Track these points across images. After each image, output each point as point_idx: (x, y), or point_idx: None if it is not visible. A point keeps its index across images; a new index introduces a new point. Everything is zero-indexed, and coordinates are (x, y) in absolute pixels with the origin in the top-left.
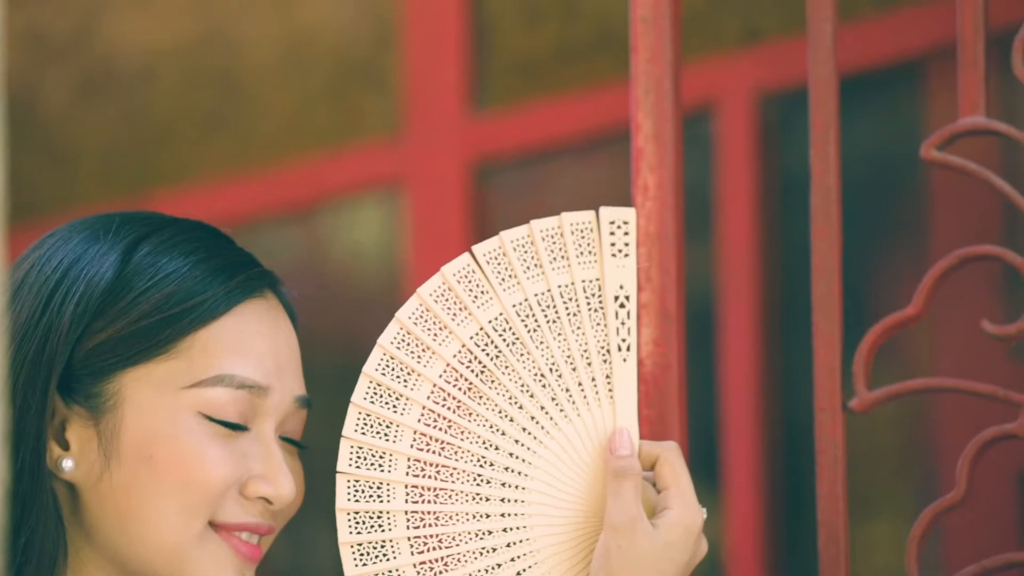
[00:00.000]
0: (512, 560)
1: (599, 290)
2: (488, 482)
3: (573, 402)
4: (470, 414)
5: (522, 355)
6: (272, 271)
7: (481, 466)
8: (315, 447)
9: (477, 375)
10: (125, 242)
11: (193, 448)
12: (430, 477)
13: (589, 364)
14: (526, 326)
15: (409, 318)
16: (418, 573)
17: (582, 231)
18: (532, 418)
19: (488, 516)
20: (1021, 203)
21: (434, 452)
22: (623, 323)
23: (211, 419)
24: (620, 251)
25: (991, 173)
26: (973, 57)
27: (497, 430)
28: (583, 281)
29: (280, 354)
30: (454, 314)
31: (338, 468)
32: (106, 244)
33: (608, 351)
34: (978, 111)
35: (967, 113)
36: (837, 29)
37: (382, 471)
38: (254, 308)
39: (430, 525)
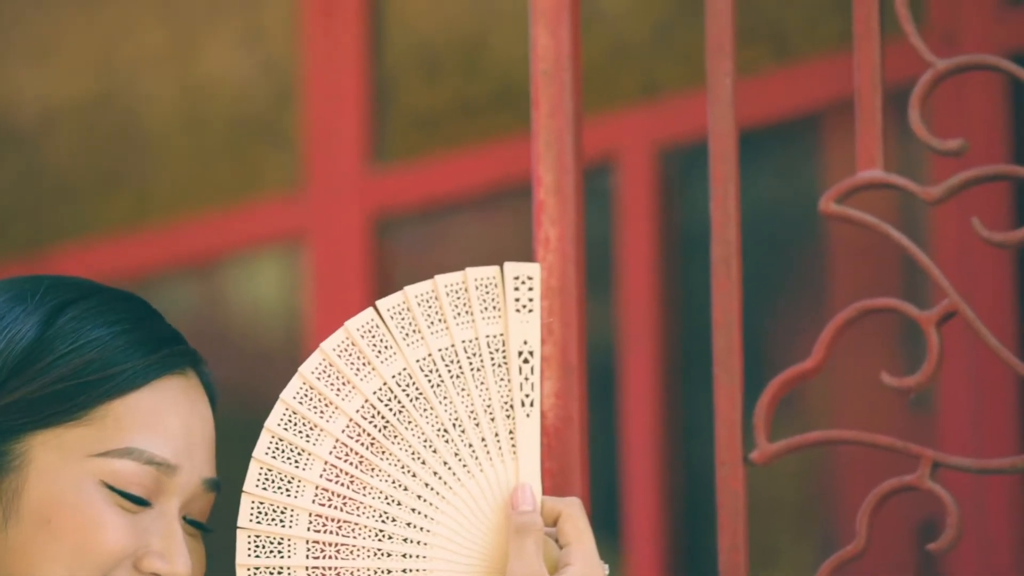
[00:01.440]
0: None
1: (503, 345)
2: (390, 538)
3: (476, 458)
4: (372, 469)
5: (425, 410)
6: (195, 351)
7: (383, 521)
8: (217, 515)
9: (380, 430)
10: (51, 305)
11: (92, 516)
12: (332, 532)
13: (492, 419)
14: (430, 381)
15: (312, 373)
16: None
17: (486, 286)
18: (435, 474)
19: (390, 572)
20: (919, 256)
21: (336, 507)
22: (527, 378)
23: (114, 490)
24: (524, 306)
25: (889, 226)
26: (871, 111)
27: (400, 485)
28: (487, 336)
29: (193, 434)
30: (357, 369)
31: (239, 523)
32: (31, 305)
33: (511, 406)
34: (876, 165)
35: (865, 167)
36: (736, 83)
37: (283, 526)
38: (172, 385)
39: None
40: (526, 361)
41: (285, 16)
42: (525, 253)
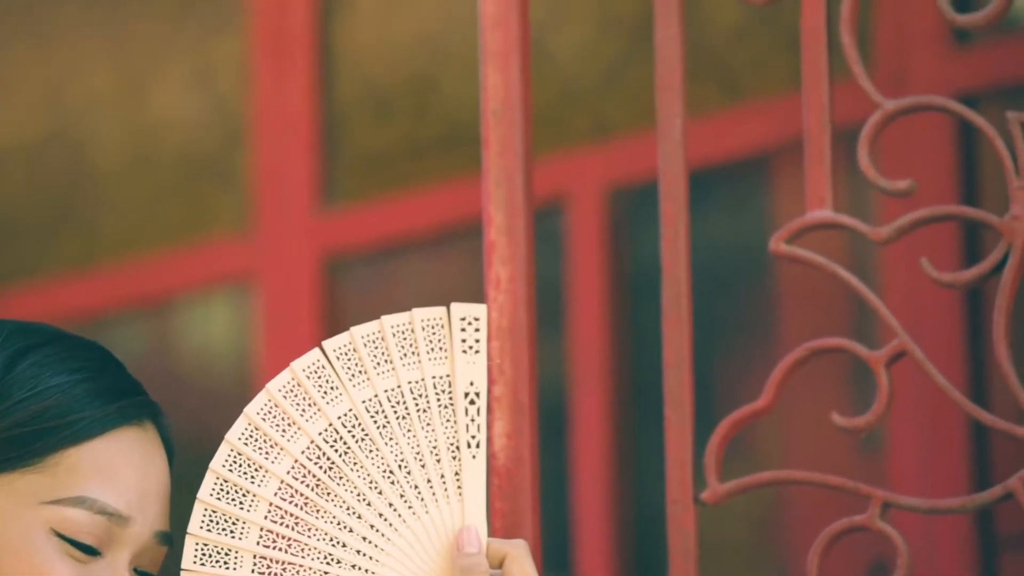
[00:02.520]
0: None
1: (449, 387)
2: None
3: (422, 499)
4: (318, 511)
5: (371, 452)
6: (155, 403)
7: (328, 563)
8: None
9: (325, 471)
10: (11, 350)
11: (39, 564)
12: (276, 575)
13: (438, 461)
14: (375, 422)
15: (257, 414)
16: None
17: (433, 327)
18: (380, 515)
19: None
20: (868, 296)
21: (281, 549)
22: (473, 420)
23: (65, 539)
24: (471, 348)
25: (838, 266)
26: (820, 152)
27: (345, 527)
28: (434, 377)
29: (147, 486)
30: (303, 410)
31: (183, 565)
32: None
33: (457, 448)
34: (825, 205)
35: (814, 207)
36: (686, 123)
37: (227, 568)
38: (129, 436)
39: None
40: (472, 402)
41: (235, 57)
42: (476, 293)
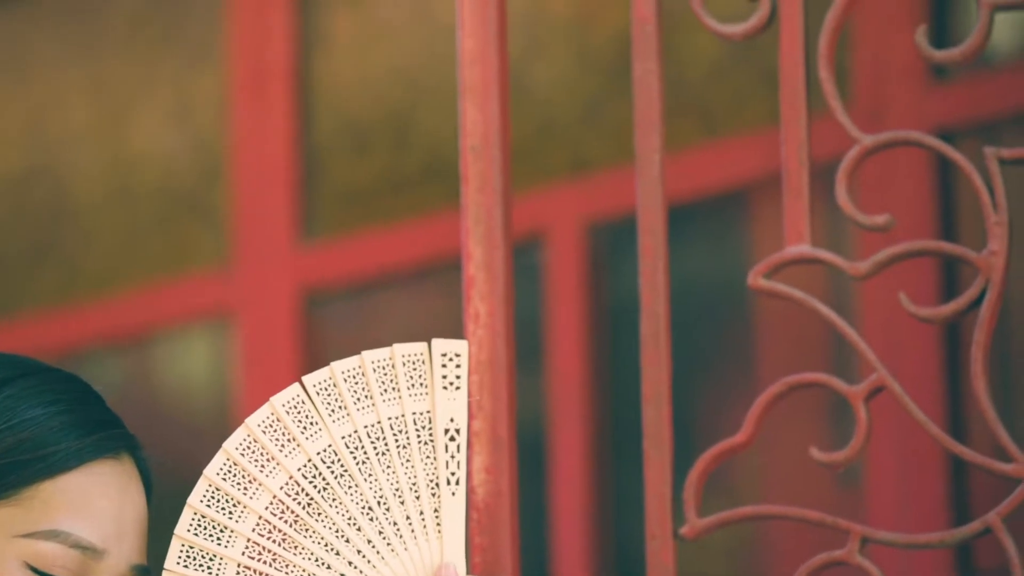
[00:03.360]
0: None
1: (429, 423)
2: None
3: (400, 536)
4: (296, 547)
5: (350, 488)
6: (133, 436)
7: None
8: None
9: (304, 507)
10: None
11: None
12: None
13: (417, 498)
14: (355, 458)
15: (236, 449)
16: None
17: (414, 363)
18: (359, 552)
19: None
20: (846, 331)
21: None
22: (452, 456)
23: (38, 572)
24: (451, 384)
25: (817, 301)
26: (798, 187)
27: (323, 563)
28: (414, 413)
29: (124, 519)
30: (282, 445)
31: None
32: None
33: (437, 484)
34: (804, 240)
35: (793, 242)
36: (665, 159)
37: None
38: (105, 469)
39: None
40: (452, 439)
41: (214, 92)
42: (455, 328)
